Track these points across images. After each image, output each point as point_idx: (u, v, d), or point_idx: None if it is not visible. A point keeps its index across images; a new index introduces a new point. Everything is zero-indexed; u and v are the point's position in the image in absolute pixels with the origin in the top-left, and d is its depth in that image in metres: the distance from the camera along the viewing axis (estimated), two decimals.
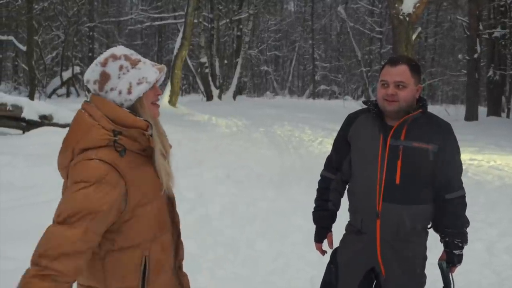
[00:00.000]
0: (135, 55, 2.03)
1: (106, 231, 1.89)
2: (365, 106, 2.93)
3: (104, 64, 1.97)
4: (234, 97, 32.30)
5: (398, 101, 2.72)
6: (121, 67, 1.96)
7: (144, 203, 1.95)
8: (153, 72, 2.00)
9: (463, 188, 2.87)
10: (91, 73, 1.99)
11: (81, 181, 1.83)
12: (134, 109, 1.98)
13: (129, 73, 1.97)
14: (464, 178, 8.21)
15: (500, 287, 4.80)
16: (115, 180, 1.85)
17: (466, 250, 5.32)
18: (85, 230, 1.78)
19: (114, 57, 1.98)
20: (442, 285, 2.81)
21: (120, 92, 1.96)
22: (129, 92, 1.96)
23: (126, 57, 2.00)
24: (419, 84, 2.80)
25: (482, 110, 24.16)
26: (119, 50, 2.02)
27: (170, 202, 2.12)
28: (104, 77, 1.96)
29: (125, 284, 1.97)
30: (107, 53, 2.02)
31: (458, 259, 2.86)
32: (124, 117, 1.93)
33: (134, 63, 1.99)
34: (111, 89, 1.96)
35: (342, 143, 2.97)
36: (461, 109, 24.26)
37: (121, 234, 1.93)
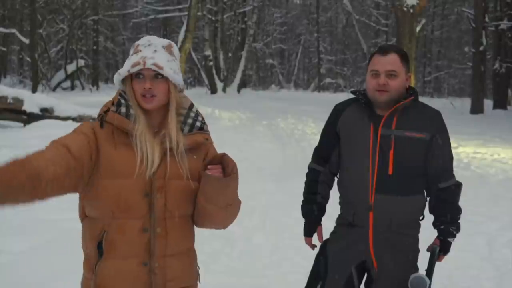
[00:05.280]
0: (143, 46, 2.10)
1: (81, 197, 2.08)
2: (352, 96, 2.87)
3: None
4: (239, 90, 32.18)
5: (389, 91, 2.67)
6: (129, 56, 2.13)
7: (107, 177, 2.01)
8: (127, 64, 2.05)
9: (454, 176, 2.83)
10: None
11: None
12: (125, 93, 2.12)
13: (125, 62, 2.10)
14: (467, 172, 8.09)
15: (500, 282, 4.73)
16: (90, 135, 2.03)
17: (466, 244, 5.26)
18: (56, 146, 1.97)
19: (133, 46, 2.15)
20: (425, 269, 2.75)
21: None
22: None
23: (136, 47, 2.12)
24: (408, 73, 2.76)
25: (488, 103, 23.95)
26: (142, 39, 2.15)
27: (152, 192, 2.05)
28: None
29: (87, 250, 2.11)
30: None
31: (449, 248, 2.82)
32: (114, 97, 2.11)
33: (133, 53, 2.10)
34: None
35: (330, 134, 2.90)
36: (467, 102, 24.05)
37: (86, 203, 2.08)
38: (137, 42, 2.14)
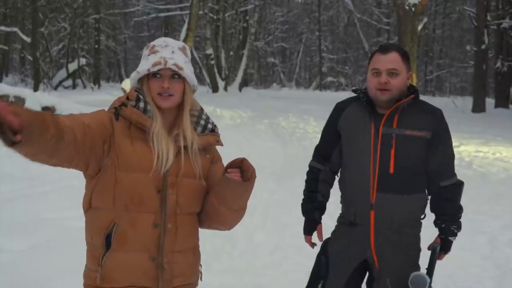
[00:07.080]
0: (160, 46, 2.14)
1: (89, 187, 2.09)
2: (354, 94, 2.86)
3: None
4: (240, 89, 32.12)
5: (390, 90, 2.67)
6: (143, 56, 2.18)
7: (123, 170, 2.04)
8: (146, 64, 2.10)
9: (456, 175, 2.82)
10: None
11: None
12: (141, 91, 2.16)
13: (141, 62, 2.16)
14: (468, 170, 8.05)
15: (501, 281, 4.72)
16: (107, 123, 2.05)
17: (468, 243, 5.24)
18: (75, 117, 2.01)
19: (147, 47, 2.20)
20: (426, 267, 2.74)
21: None
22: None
23: (151, 47, 2.16)
24: (409, 72, 2.75)
25: (490, 101, 23.90)
26: (157, 40, 2.19)
27: (165, 188, 2.08)
28: None
29: (92, 240, 2.12)
30: None
31: (450, 247, 2.81)
32: (130, 93, 2.14)
33: (149, 53, 2.15)
34: None
35: (331, 133, 2.90)
36: (469, 101, 23.97)
37: (96, 193, 2.08)
38: (152, 43, 2.19)
